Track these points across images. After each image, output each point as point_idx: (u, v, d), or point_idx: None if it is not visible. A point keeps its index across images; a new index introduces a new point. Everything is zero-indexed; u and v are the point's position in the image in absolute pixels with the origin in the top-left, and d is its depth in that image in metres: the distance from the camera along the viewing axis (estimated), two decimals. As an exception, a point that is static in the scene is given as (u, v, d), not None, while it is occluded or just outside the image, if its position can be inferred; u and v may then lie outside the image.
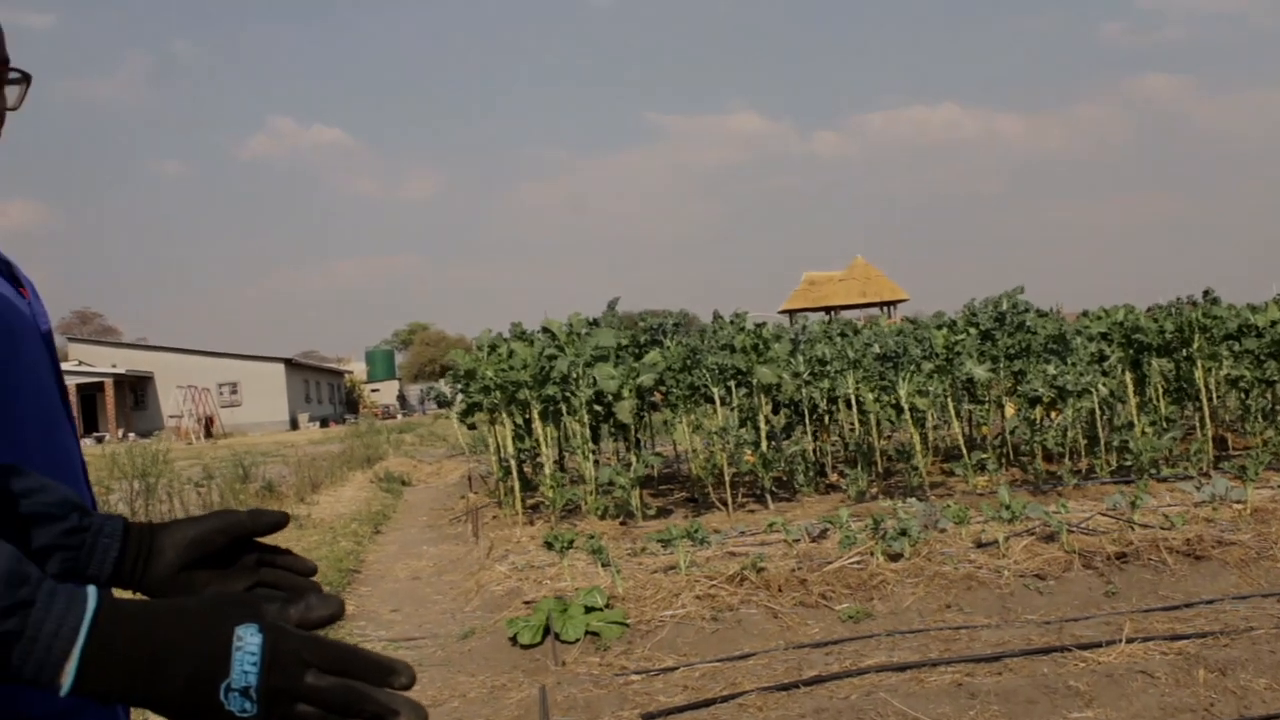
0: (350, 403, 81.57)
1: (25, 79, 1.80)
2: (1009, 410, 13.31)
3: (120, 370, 59.76)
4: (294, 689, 1.03)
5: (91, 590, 1.06)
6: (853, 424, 13.11)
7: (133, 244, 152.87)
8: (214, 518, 1.45)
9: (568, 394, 11.98)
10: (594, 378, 11.81)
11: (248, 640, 1.03)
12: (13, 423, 1.61)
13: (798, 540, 8.61)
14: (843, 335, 14.02)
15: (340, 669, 1.05)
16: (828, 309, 43.35)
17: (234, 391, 64.72)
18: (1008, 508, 7.98)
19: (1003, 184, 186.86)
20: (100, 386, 57.14)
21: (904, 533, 7.85)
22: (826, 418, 13.66)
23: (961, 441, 12.37)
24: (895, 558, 7.75)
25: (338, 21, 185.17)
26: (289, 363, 68.11)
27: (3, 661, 1.00)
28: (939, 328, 13.15)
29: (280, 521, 1.47)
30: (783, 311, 45.11)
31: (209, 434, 57.53)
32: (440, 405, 15.81)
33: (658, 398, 13.04)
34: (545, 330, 13.47)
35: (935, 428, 14.31)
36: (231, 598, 1.10)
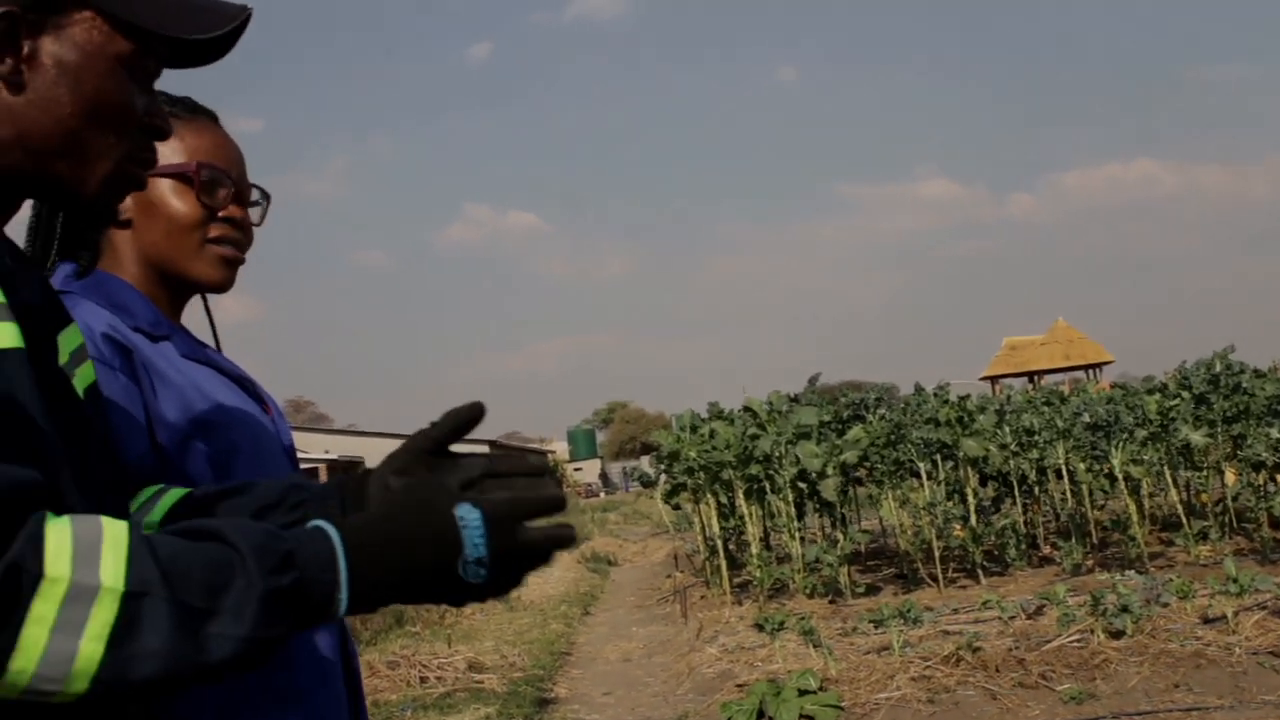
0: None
1: (266, 198, 2.07)
2: (1229, 476, 12.81)
3: (333, 456, 61.65)
4: (513, 547, 1.22)
5: (324, 522, 1.20)
6: (1064, 494, 12.78)
7: (341, 332, 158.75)
8: (404, 444, 1.47)
9: (771, 472, 11.98)
10: (797, 456, 11.79)
11: (469, 518, 1.20)
12: None
13: (1013, 617, 8.42)
14: (1049, 404, 13.72)
15: (536, 512, 1.25)
16: (1030, 374, 42.35)
17: (441, 474, 66.15)
18: (1235, 580, 7.67)
19: (1206, 239, 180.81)
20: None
21: (1125, 609, 7.62)
22: (1036, 488, 13.34)
23: (1180, 510, 11.95)
24: (1117, 635, 7.52)
25: (529, 108, 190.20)
26: (493, 444, 69.42)
27: (294, 607, 1.13)
28: (1150, 393, 12.78)
29: (468, 416, 1.40)
30: (984, 378, 44.22)
31: (418, 517, 58.77)
32: (644, 486, 15.96)
33: (862, 473, 12.93)
34: (746, 409, 13.51)
35: (1151, 495, 13.85)
36: (425, 487, 1.29)
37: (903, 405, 13.81)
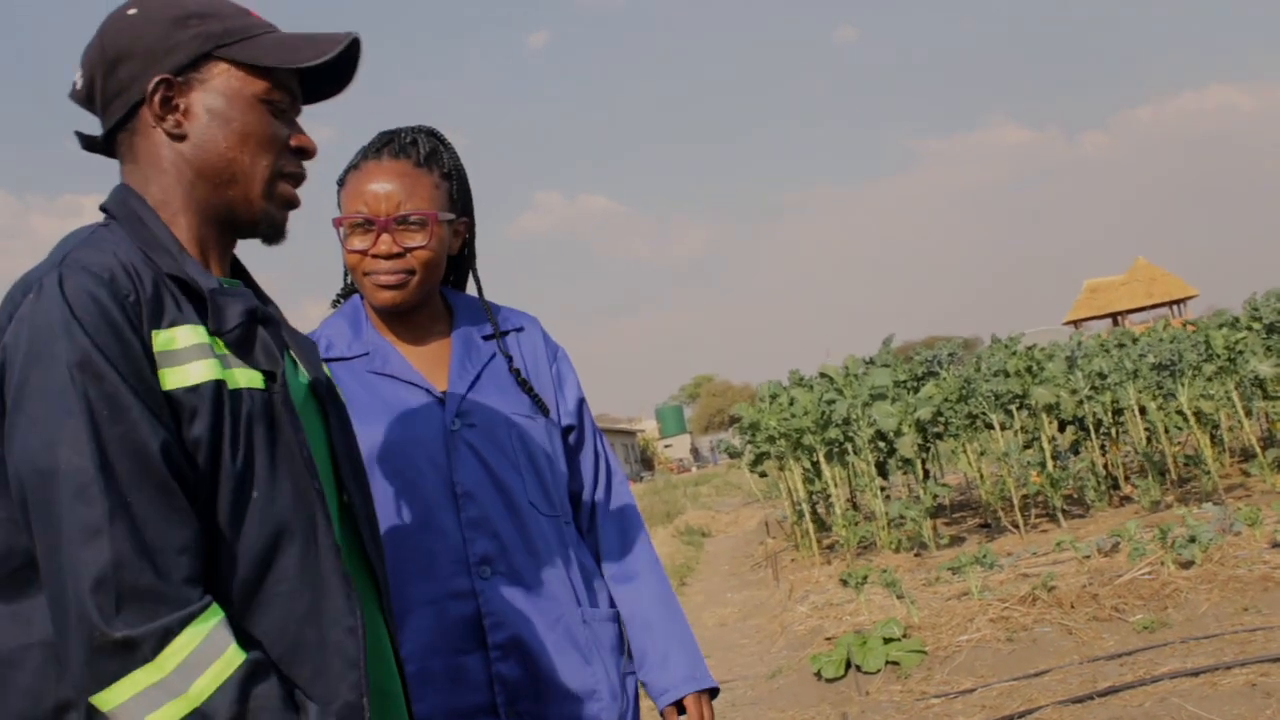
0: (645, 460, 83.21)
1: (428, 219, 2.39)
2: (1306, 403, 12.93)
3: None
4: None
5: None
6: (1140, 434, 13.00)
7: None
8: None
9: (850, 435, 12.33)
10: (873, 417, 12.13)
11: None
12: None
13: (1088, 556, 8.74)
14: (1120, 346, 13.92)
15: None
16: (1114, 315, 42.13)
17: (534, 461, 66.80)
18: (1300, 505, 7.94)
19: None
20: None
21: (1193, 539, 7.91)
22: (1113, 430, 13.55)
23: (1254, 441, 12.14)
24: (1187, 565, 7.82)
25: (589, 93, 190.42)
26: (583, 427, 69.87)
27: None
28: (1219, 327, 12.93)
29: None
30: (1068, 323, 44.06)
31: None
32: (731, 456, 16.37)
33: (939, 429, 13.22)
34: (823, 375, 13.86)
35: (1230, 429, 13.99)
36: None
37: (975, 359, 14.09)
